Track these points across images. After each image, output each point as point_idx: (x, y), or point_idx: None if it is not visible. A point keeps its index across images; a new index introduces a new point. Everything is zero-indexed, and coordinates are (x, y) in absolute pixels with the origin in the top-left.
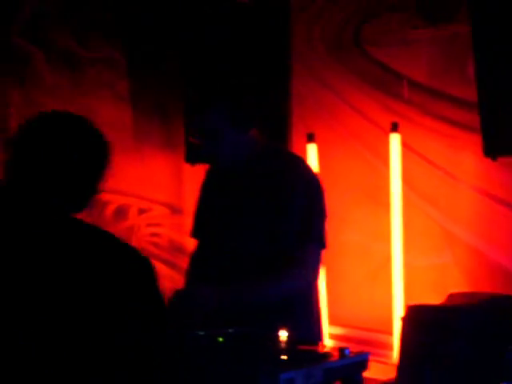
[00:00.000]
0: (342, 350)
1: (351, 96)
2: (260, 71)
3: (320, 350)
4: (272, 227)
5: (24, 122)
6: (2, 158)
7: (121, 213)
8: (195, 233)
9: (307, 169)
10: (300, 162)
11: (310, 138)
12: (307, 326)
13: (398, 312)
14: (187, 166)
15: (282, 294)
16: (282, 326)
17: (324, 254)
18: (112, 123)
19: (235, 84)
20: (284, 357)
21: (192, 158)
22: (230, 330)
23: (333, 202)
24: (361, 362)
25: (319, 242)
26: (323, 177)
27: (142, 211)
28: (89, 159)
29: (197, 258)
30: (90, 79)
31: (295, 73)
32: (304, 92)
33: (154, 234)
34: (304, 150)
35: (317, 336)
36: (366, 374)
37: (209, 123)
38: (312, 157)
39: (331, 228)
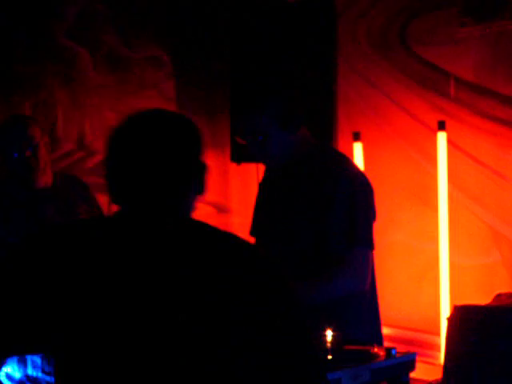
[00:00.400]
0: (388, 350)
1: (397, 94)
2: (306, 71)
3: (367, 350)
4: (316, 227)
5: (118, 126)
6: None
7: None
8: (253, 231)
9: (353, 168)
10: (346, 162)
11: (356, 137)
12: (362, 327)
13: (445, 312)
14: (233, 166)
15: (334, 296)
16: (334, 327)
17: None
18: None
19: (283, 85)
20: (330, 357)
21: (238, 157)
22: None
23: (379, 201)
24: (408, 363)
25: (366, 244)
26: (369, 176)
27: None
28: (190, 152)
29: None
30: (135, 79)
31: (341, 72)
32: (350, 91)
33: None
34: (350, 149)
35: (374, 338)
36: (412, 375)
37: (257, 125)
38: (358, 156)
39: (378, 228)
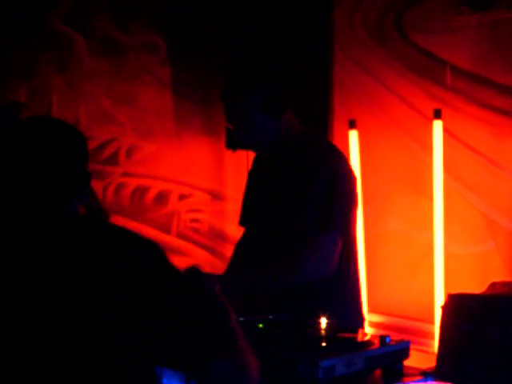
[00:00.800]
0: (383, 338)
1: (393, 82)
2: (302, 58)
3: (361, 337)
4: (293, 210)
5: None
6: None
7: (161, 198)
8: (241, 221)
9: (336, 155)
10: (329, 148)
11: (352, 125)
12: (347, 312)
13: (439, 300)
14: (228, 152)
15: (298, 281)
16: (318, 312)
17: (365, 241)
18: (153, 109)
19: (268, 71)
20: (324, 344)
21: (233, 144)
22: (270, 317)
23: (374, 189)
24: (402, 351)
25: (337, 229)
26: (364, 164)
27: (182, 197)
28: (70, 163)
29: (239, 246)
30: (131, 65)
31: (337, 59)
32: (346, 79)
33: (194, 220)
34: (345, 137)
35: (354, 323)
36: (405, 363)
37: (242, 110)
38: (353, 143)
39: (372, 215)
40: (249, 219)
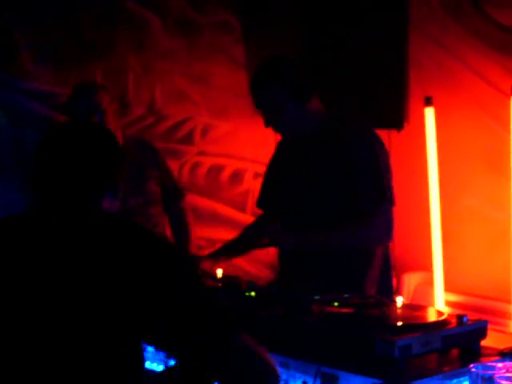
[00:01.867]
0: (460, 318)
1: (471, 59)
2: (378, 35)
3: (438, 317)
4: (343, 192)
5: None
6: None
7: (236, 177)
8: (260, 203)
9: (371, 131)
10: (363, 126)
11: (428, 102)
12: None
13: None
14: None
15: (363, 243)
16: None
17: (441, 219)
18: (228, 88)
19: (293, 60)
20: (400, 323)
21: None
22: (346, 295)
23: (451, 167)
24: (479, 330)
25: (390, 201)
26: (441, 141)
27: (257, 175)
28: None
29: (252, 227)
30: (205, 44)
31: (413, 36)
32: (422, 55)
33: None
34: (421, 114)
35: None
36: (482, 343)
37: (271, 95)
38: (429, 121)
39: (450, 193)
40: (273, 205)
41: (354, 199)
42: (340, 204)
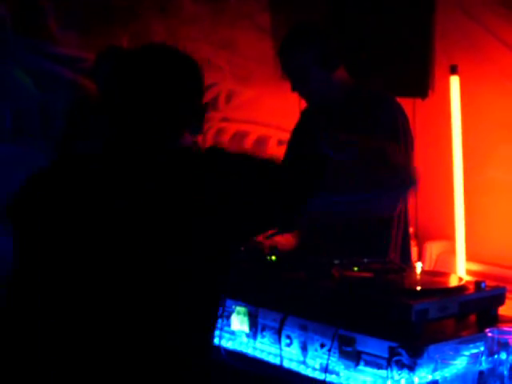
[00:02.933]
0: (478, 284)
1: (499, 28)
2: (404, 4)
3: (456, 282)
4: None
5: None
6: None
7: (261, 143)
8: None
9: (394, 103)
10: (388, 98)
11: (453, 70)
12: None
13: None
14: None
15: (359, 213)
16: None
17: (464, 190)
18: (253, 54)
19: (321, 28)
20: (418, 288)
21: None
22: (366, 260)
23: (476, 137)
24: (497, 296)
25: (407, 178)
26: (466, 110)
27: (281, 142)
28: (187, 94)
29: None
30: (231, 10)
31: (440, 4)
32: (449, 24)
33: None
34: (446, 83)
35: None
36: (502, 311)
37: (298, 61)
38: (454, 89)
39: (473, 163)
40: None
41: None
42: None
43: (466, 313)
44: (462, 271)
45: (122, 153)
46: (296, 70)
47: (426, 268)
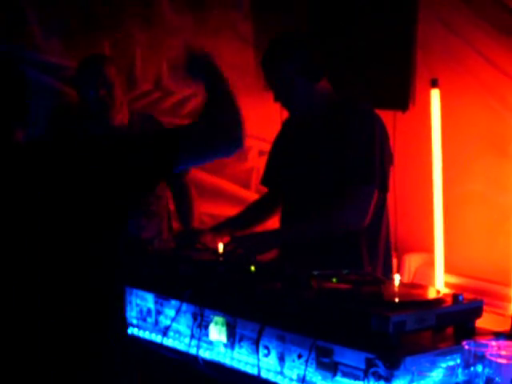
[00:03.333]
0: (455, 296)
1: (479, 42)
2: (386, 15)
3: (433, 295)
4: (333, 167)
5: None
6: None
7: (241, 154)
8: (266, 181)
9: (374, 114)
10: (367, 108)
11: (434, 84)
12: (376, 262)
13: None
14: None
15: (331, 229)
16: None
17: (444, 202)
18: (235, 64)
19: (304, 37)
20: (396, 299)
21: None
22: (345, 271)
23: (455, 150)
24: (474, 309)
25: (374, 183)
26: (445, 124)
27: (262, 153)
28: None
29: (256, 205)
30: (213, 20)
31: (421, 18)
32: (430, 37)
33: None
34: (427, 96)
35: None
36: (480, 324)
37: (282, 72)
38: (435, 102)
39: (453, 176)
40: (277, 181)
41: (341, 177)
42: (333, 183)
43: (443, 325)
44: (440, 284)
45: None
46: (280, 81)
47: (405, 280)
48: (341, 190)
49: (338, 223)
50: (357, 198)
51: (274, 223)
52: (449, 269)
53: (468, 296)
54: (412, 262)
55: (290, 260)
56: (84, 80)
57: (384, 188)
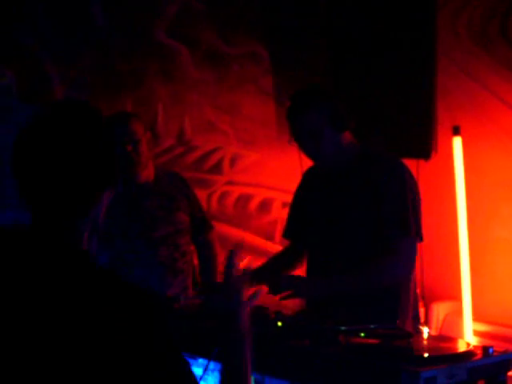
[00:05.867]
0: (485, 349)
1: (498, 88)
2: (405, 62)
3: (463, 348)
4: (371, 222)
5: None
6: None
7: (265, 206)
8: (289, 233)
9: (402, 164)
10: (395, 158)
11: (456, 131)
12: (406, 313)
13: None
14: None
15: (381, 282)
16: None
17: (470, 249)
18: (256, 118)
19: (329, 89)
20: (426, 354)
21: None
22: (372, 326)
23: (479, 197)
24: (505, 362)
25: (416, 234)
26: (469, 171)
27: (285, 205)
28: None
29: (278, 257)
30: (234, 74)
31: (441, 65)
32: (450, 85)
33: None
34: (449, 143)
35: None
36: (510, 374)
37: (311, 123)
38: (457, 150)
39: (478, 223)
40: (301, 233)
41: (379, 232)
42: (367, 237)
43: (474, 379)
44: (469, 332)
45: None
46: (308, 132)
47: (433, 329)
48: (377, 243)
49: (390, 275)
50: (403, 250)
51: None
52: (477, 316)
53: (497, 344)
54: (440, 310)
55: (317, 313)
56: (111, 138)
57: (420, 236)
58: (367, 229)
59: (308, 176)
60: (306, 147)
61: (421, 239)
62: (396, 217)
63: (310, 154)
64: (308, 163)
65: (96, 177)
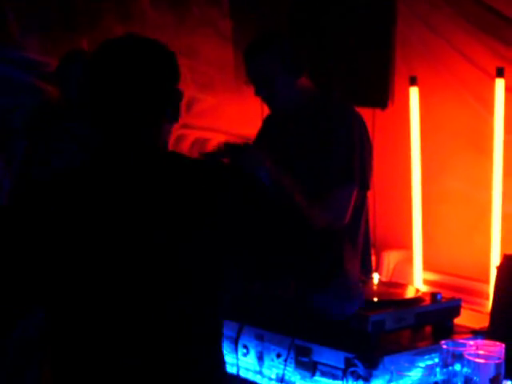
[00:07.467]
0: (433, 295)
1: (457, 40)
2: (364, 12)
3: (412, 294)
4: (314, 166)
5: (95, 53)
6: None
7: None
8: None
9: (354, 112)
10: (348, 106)
11: (413, 81)
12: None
13: (495, 261)
14: None
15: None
16: None
17: (422, 199)
18: (214, 61)
19: (285, 33)
20: (375, 299)
21: None
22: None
23: (434, 147)
24: (453, 308)
25: (354, 182)
26: (424, 121)
27: None
28: (164, 80)
29: None
30: (193, 17)
31: (400, 14)
32: (409, 35)
33: None
34: (406, 93)
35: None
36: (458, 321)
37: (264, 66)
38: (414, 100)
39: (431, 173)
40: None
41: (322, 176)
42: (316, 185)
43: (421, 324)
44: (418, 281)
45: (117, 160)
46: (262, 76)
47: (384, 277)
48: (323, 187)
49: (317, 222)
50: (337, 198)
51: None
52: (427, 266)
53: (446, 293)
54: (391, 258)
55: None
56: (69, 74)
57: (364, 186)
58: (316, 177)
59: (267, 122)
60: (261, 91)
61: (367, 188)
62: (339, 164)
63: (264, 98)
64: (268, 110)
65: (162, 93)
